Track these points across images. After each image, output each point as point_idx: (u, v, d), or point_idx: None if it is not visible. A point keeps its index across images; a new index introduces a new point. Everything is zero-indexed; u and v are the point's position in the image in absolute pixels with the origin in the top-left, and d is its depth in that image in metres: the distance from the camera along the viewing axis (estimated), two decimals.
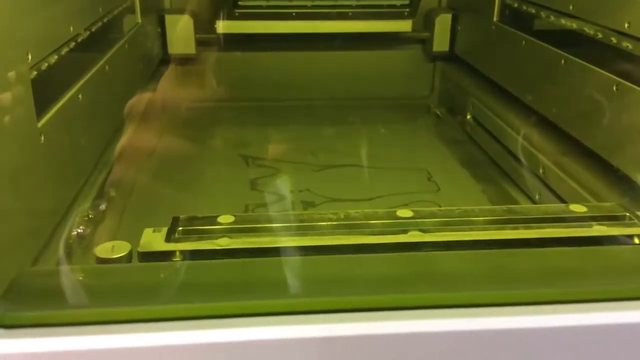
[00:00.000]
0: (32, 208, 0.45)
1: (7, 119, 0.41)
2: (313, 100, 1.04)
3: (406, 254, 0.38)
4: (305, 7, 0.98)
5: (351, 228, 0.41)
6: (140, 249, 0.39)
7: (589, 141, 0.64)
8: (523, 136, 0.76)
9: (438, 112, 1.04)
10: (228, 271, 0.38)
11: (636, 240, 0.41)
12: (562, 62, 0.68)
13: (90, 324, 0.32)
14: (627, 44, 0.59)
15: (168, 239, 0.40)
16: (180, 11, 0.99)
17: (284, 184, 0.73)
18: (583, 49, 0.67)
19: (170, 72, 0.93)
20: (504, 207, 0.44)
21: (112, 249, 0.39)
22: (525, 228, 0.42)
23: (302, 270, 0.37)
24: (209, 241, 0.40)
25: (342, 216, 0.42)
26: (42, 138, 0.47)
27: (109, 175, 0.64)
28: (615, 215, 0.45)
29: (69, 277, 0.35)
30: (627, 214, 0.45)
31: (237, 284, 0.36)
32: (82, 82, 0.59)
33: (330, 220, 0.42)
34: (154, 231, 0.41)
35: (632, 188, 0.55)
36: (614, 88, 0.59)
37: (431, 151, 0.91)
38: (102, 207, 0.60)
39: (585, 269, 0.38)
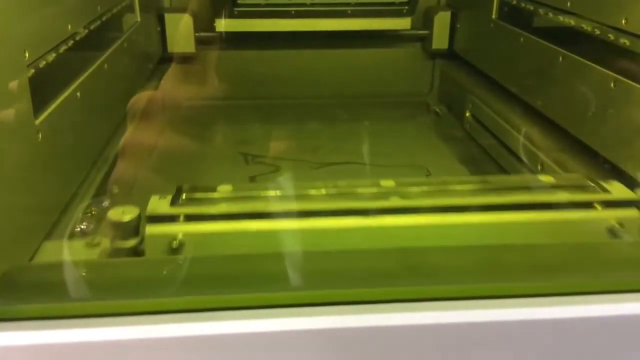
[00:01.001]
0: (29, 205, 0.45)
1: (4, 116, 0.41)
2: (313, 98, 1.04)
3: (399, 248, 0.39)
4: (304, 5, 0.98)
5: (340, 195, 0.44)
6: (148, 213, 0.42)
7: (586, 137, 0.64)
8: (521, 133, 0.76)
9: (437, 110, 1.04)
10: (226, 264, 0.39)
11: (597, 207, 0.44)
12: (560, 59, 0.68)
13: (84, 317, 0.32)
14: (624, 41, 0.59)
15: (173, 204, 0.43)
16: (180, 10, 0.99)
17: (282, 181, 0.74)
18: (583, 46, 0.67)
19: (170, 71, 0.93)
20: (479, 177, 0.48)
21: (122, 212, 0.42)
22: (496, 194, 0.44)
23: (297, 264, 0.37)
24: (210, 206, 0.42)
25: (331, 186, 0.45)
26: (40, 135, 0.47)
27: (110, 172, 0.64)
28: (579, 184, 0.47)
29: (63, 270, 0.36)
30: (591, 184, 0.47)
31: (236, 277, 0.37)
32: (80, 80, 0.59)
33: (320, 188, 0.45)
34: (159, 198, 0.44)
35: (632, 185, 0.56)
36: (612, 85, 0.59)
37: (430, 148, 0.91)
38: (105, 203, 0.60)
39: (573, 263, 0.39)
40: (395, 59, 1.07)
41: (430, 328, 0.34)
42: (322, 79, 1.06)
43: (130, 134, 0.71)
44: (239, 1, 0.97)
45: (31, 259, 0.43)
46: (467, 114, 0.93)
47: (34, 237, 0.46)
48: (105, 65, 0.67)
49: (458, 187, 0.45)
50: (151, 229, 0.41)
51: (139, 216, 0.42)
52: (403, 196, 0.43)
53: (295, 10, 0.98)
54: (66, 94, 0.55)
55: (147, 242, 0.41)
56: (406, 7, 1.00)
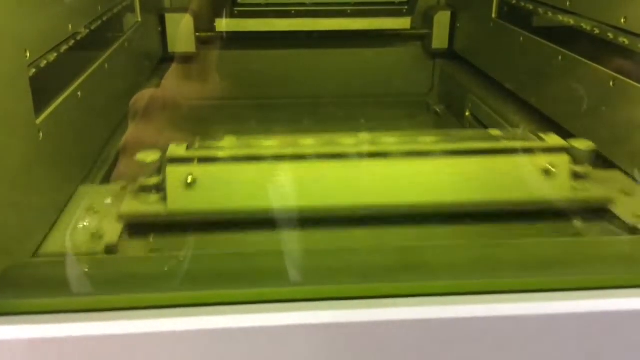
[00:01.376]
0: (31, 203, 0.45)
1: (5, 115, 0.42)
2: (312, 98, 1.05)
3: (398, 247, 0.40)
4: (305, 4, 0.98)
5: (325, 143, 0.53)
6: (167, 156, 0.50)
7: (584, 134, 0.64)
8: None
9: (437, 109, 1.04)
10: (228, 261, 0.41)
11: (535, 152, 0.52)
12: (560, 58, 0.69)
13: (84, 312, 0.33)
14: (623, 39, 0.59)
15: (188, 149, 0.51)
16: (181, 10, 1.00)
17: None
18: (581, 44, 0.67)
19: (171, 70, 0.93)
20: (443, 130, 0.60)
21: (147, 156, 0.50)
22: (454, 143, 0.53)
23: (296, 260, 0.38)
24: (217, 150, 0.51)
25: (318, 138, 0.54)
26: (41, 135, 0.48)
27: (111, 171, 0.65)
28: (523, 136, 0.56)
29: (65, 266, 0.37)
30: (532, 136, 0.55)
31: (235, 273, 0.39)
32: (81, 79, 0.59)
33: (307, 138, 0.54)
34: (177, 145, 0.52)
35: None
36: (611, 84, 0.59)
37: None
38: (107, 201, 0.60)
39: (569, 259, 0.40)
40: (395, 59, 1.07)
41: (426, 323, 0.34)
42: (321, 79, 1.06)
43: (132, 132, 0.72)
44: (239, 1, 0.97)
45: (33, 256, 0.43)
46: (467, 114, 0.93)
47: (35, 235, 0.46)
48: (106, 65, 0.68)
49: (423, 138, 0.54)
50: (171, 169, 0.49)
51: (160, 159, 0.50)
52: (377, 144, 0.53)
53: (295, 10, 0.98)
54: (67, 93, 0.55)
55: (168, 178, 0.49)
56: (406, 7, 1.00)
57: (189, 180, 0.48)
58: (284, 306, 0.35)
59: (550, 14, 0.73)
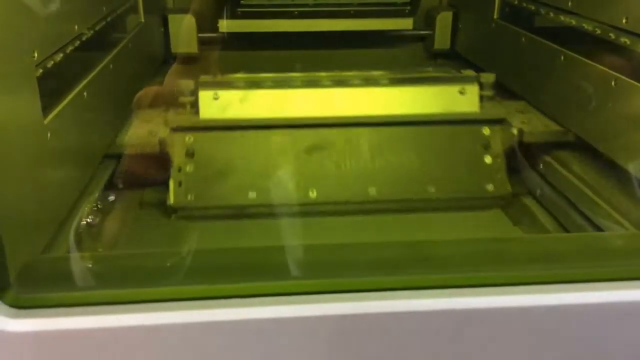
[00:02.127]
0: (40, 202, 0.46)
1: (14, 116, 0.42)
2: None
3: (407, 241, 0.41)
4: (307, 5, 0.98)
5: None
6: (200, 81, 0.71)
7: (586, 134, 0.65)
8: None
9: None
10: (238, 255, 0.42)
11: (452, 81, 0.74)
12: (562, 58, 0.69)
13: (99, 305, 0.34)
14: (624, 40, 0.59)
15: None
16: (183, 10, 1.00)
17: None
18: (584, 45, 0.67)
19: (173, 68, 0.93)
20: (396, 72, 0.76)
21: (185, 83, 0.72)
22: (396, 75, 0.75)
23: (304, 254, 0.39)
24: (237, 80, 0.73)
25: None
26: (49, 135, 0.48)
27: (116, 169, 0.65)
28: (445, 70, 0.78)
29: (77, 262, 0.38)
30: (453, 70, 0.78)
31: (244, 267, 0.40)
32: (87, 80, 0.60)
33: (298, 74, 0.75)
34: (206, 76, 0.73)
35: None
36: (613, 83, 0.60)
37: None
38: (111, 198, 0.61)
39: (576, 252, 0.41)
40: (398, 59, 1.07)
41: (435, 314, 0.35)
42: None
43: (132, 132, 0.72)
44: (242, 2, 0.98)
45: (43, 252, 0.44)
46: None
47: (45, 231, 0.46)
48: (111, 66, 0.68)
49: (377, 73, 0.76)
50: (202, 91, 0.71)
51: (197, 87, 0.71)
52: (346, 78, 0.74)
53: (298, 11, 0.98)
54: (74, 93, 0.55)
55: (200, 97, 0.70)
56: (408, 8, 1.00)
57: (215, 97, 0.70)
58: (292, 299, 0.36)
59: (552, 14, 0.73)
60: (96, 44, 0.66)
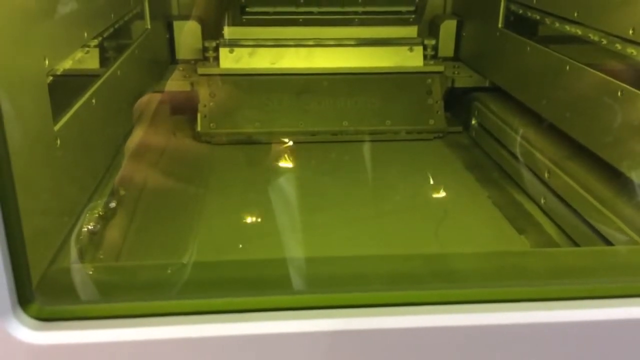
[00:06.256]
0: (49, 208, 0.46)
1: (25, 123, 0.42)
2: None
3: (422, 254, 0.41)
4: (312, 13, 0.99)
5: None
6: (221, 41, 0.94)
7: (591, 143, 0.65)
8: (528, 141, 0.76)
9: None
10: (242, 269, 0.41)
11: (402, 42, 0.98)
12: (567, 67, 0.69)
13: (122, 317, 0.34)
14: (631, 50, 0.60)
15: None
16: (188, 17, 1.00)
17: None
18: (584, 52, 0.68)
19: (176, 75, 0.94)
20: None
21: (209, 42, 0.95)
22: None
23: (312, 269, 0.39)
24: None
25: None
26: (58, 141, 0.48)
27: (119, 173, 0.65)
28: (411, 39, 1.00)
29: (100, 273, 0.37)
30: (418, 38, 1.00)
31: (249, 280, 0.40)
32: (95, 86, 0.60)
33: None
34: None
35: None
36: (619, 93, 0.60)
37: (436, 155, 0.92)
38: (112, 204, 0.61)
39: (592, 267, 0.41)
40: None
41: (449, 330, 0.34)
42: None
43: (138, 137, 0.72)
44: (246, 9, 0.98)
45: (52, 259, 0.44)
46: (473, 122, 0.94)
47: (54, 239, 0.46)
48: (118, 72, 0.68)
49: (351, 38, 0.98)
50: (222, 48, 0.93)
51: (217, 45, 0.93)
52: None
53: (302, 19, 0.99)
54: (83, 100, 0.56)
55: (221, 52, 0.93)
56: (413, 16, 1.01)
57: (230, 52, 0.93)
58: (298, 314, 0.35)
59: (557, 24, 0.74)
60: (104, 51, 0.66)
